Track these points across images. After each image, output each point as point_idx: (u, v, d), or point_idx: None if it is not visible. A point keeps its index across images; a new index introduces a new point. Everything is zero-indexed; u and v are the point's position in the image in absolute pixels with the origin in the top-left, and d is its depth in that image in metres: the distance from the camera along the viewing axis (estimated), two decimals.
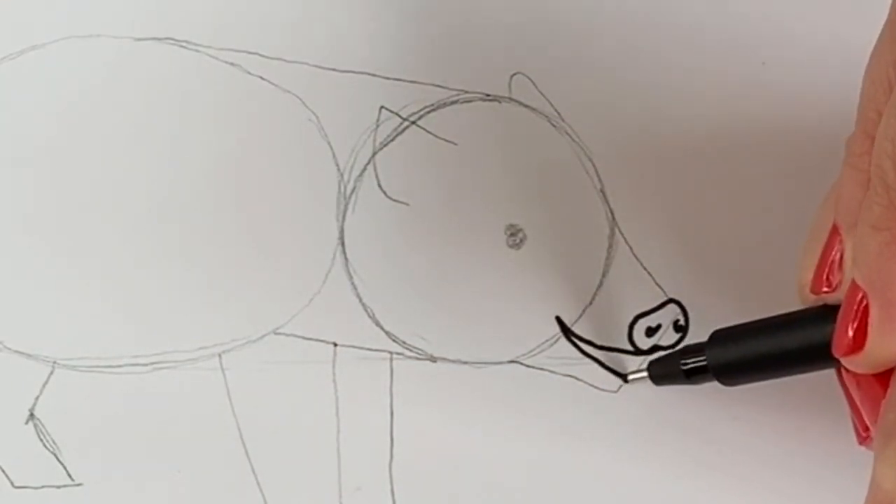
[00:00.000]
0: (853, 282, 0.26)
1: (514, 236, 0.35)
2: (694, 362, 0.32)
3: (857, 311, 0.26)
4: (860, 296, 0.26)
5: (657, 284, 0.35)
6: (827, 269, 0.28)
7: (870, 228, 0.25)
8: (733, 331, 0.31)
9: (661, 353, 0.34)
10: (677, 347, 0.34)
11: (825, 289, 0.28)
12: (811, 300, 0.29)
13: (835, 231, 0.28)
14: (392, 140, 0.36)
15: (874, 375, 0.26)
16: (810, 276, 0.29)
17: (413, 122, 0.36)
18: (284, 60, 0.36)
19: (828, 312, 0.28)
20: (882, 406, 0.25)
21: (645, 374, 0.34)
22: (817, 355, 0.28)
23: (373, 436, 0.34)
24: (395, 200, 0.35)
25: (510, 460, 0.34)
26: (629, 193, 0.36)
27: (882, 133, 0.24)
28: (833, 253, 0.28)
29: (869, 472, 0.35)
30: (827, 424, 0.35)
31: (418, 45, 0.36)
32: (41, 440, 0.33)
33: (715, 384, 0.32)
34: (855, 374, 0.27)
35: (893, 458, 0.25)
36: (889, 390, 0.25)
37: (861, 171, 0.26)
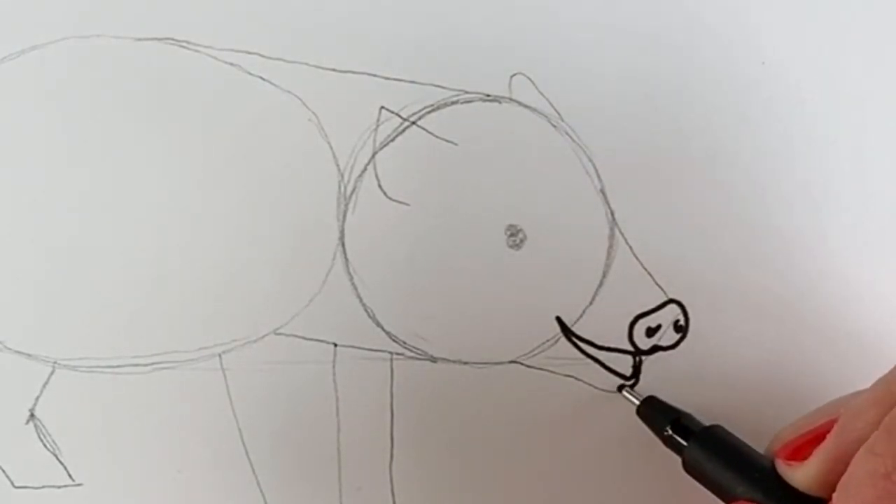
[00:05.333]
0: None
1: (514, 236, 0.35)
2: (677, 440, 0.33)
3: None
4: None
5: (657, 284, 0.35)
6: (805, 441, 0.30)
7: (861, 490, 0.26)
8: (721, 447, 0.32)
9: (658, 402, 0.35)
10: (675, 415, 0.34)
11: (791, 454, 0.30)
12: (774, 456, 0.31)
13: (831, 423, 0.29)
14: (392, 140, 0.36)
15: None
16: (790, 436, 0.31)
17: (413, 122, 0.36)
18: (284, 60, 0.36)
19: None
20: None
21: (636, 401, 0.34)
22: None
23: (373, 436, 0.34)
24: (395, 200, 0.35)
25: (510, 460, 0.34)
26: (629, 193, 0.36)
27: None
28: (817, 430, 0.29)
29: None
30: None
31: (418, 45, 0.36)
32: (41, 440, 0.33)
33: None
34: None
35: None
36: None
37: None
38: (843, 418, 0.28)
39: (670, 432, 0.33)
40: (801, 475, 0.29)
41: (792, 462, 0.30)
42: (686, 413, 0.34)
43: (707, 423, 0.33)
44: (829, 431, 0.29)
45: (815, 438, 0.29)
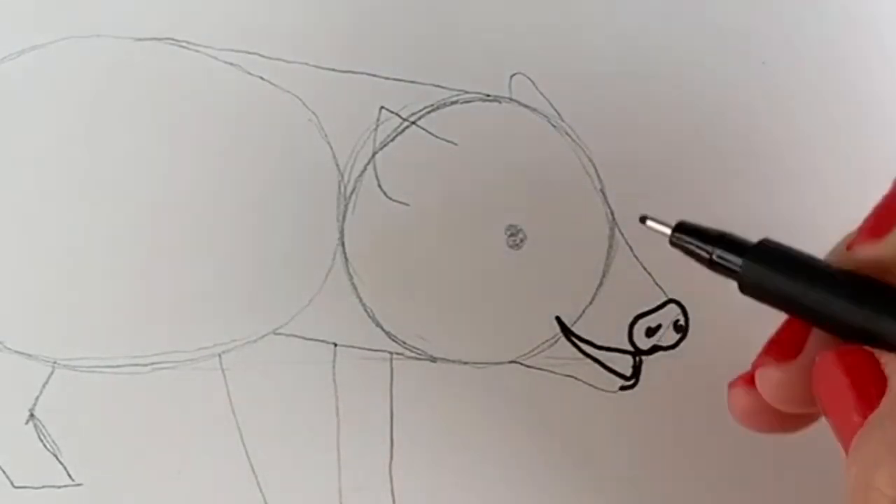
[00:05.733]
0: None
1: (514, 236, 0.35)
2: (724, 260, 0.29)
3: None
4: None
5: (657, 284, 0.35)
6: (879, 217, 0.25)
7: None
8: (779, 252, 0.28)
9: (693, 225, 0.30)
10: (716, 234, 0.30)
11: (867, 234, 0.25)
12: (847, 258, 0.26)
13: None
14: (392, 140, 0.36)
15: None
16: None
17: (413, 123, 0.36)
18: (284, 60, 0.36)
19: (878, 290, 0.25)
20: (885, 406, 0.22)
21: (668, 230, 0.30)
22: (843, 327, 0.26)
23: (373, 436, 0.34)
24: (395, 200, 0.35)
25: (510, 460, 0.34)
26: (629, 193, 0.36)
27: None
28: (890, 199, 0.25)
29: None
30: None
31: (419, 45, 0.36)
32: (41, 440, 0.33)
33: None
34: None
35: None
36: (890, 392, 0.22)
37: None
38: None
39: (721, 254, 0.29)
40: (881, 249, 0.24)
41: (868, 242, 0.25)
42: (726, 232, 0.29)
43: None
44: None
45: (891, 211, 0.25)
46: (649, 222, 0.30)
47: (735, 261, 0.29)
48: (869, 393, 0.23)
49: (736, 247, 0.29)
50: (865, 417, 0.22)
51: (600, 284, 0.35)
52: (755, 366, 0.27)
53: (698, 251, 0.29)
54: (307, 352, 0.34)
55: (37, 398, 0.34)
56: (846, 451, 0.23)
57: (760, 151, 0.37)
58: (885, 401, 0.22)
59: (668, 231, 0.30)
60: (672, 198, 0.36)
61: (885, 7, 0.38)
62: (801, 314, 0.27)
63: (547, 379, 0.35)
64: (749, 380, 0.27)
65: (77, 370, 0.34)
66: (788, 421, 0.27)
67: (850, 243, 0.26)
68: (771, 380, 0.26)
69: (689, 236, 0.30)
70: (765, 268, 0.28)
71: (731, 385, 0.28)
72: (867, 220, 0.26)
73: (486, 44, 0.36)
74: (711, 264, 0.29)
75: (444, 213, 0.35)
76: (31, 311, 0.34)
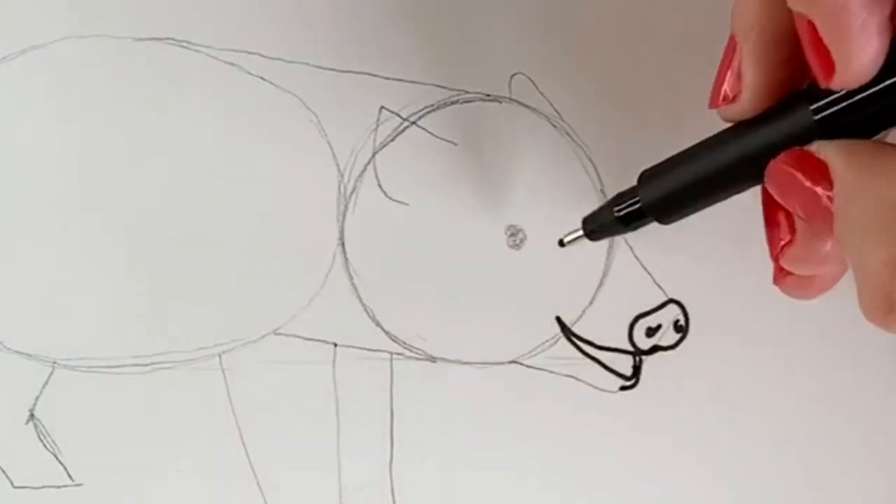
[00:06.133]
0: (731, 35, 0.27)
1: (514, 236, 0.35)
2: (627, 207, 0.31)
3: (731, 56, 0.27)
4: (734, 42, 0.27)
5: (657, 284, 0.35)
6: (726, 79, 0.28)
7: None
8: (659, 167, 0.31)
9: (590, 213, 0.33)
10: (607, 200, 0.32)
11: (728, 93, 0.28)
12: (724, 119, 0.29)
13: (731, 41, 0.28)
14: (392, 140, 0.36)
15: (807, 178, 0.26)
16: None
17: (413, 122, 0.36)
18: (284, 60, 0.36)
19: (747, 127, 0.28)
20: (839, 200, 0.24)
21: (579, 232, 0.33)
22: (742, 168, 0.28)
23: (373, 436, 0.34)
24: (395, 200, 0.35)
25: (510, 460, 0.34)
26: None
27: None
28: (732, 63, 0.28)
29: (871, 472, 0.35)
30: (824, 426, 0.35)
31: (418, 45, 0.36)
32: (41, 440, 0.33)
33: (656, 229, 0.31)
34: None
35: (871, 237, 0.23)
36: (838, 184, 0.24)
37: None
38: (734, 29, 0.27)
39: (624, 211, 0.31)
40: (739, 109, 0.27)
41: (724, 104, 0.28)
42: (615, 195, 0.32)
43: None
44: (734, 49, 0.27)
45: (727, 66, 0.28)
46: (566, 240, 0.33)
47: (634, 202, 0.31)
48: (819, 175, 0.25)
49: (627, 194, 0.31)
50: (830, 198, 0.25)
51: (600, 284, 0.35)
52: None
53: (609, 225, 0.31)
54: (307, 352, 0.34)
55: (37, 398, 0.34)
56: (828, 230, 0.25)
57: None
58: (837, 179, 0.24)
59: (580, 232, 0.33)
60: None
61: None
62: (721, 189, 0.29)
63: (547, 379, 0.35)
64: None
65: (77, 370, 0.34)
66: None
67: (711, 106, 0.29)
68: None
69: (593, 222, 0.32)
70: (657, 181, 0.30)
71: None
72: (717, 84, 0.28)
73: (486, 44, 0.36)
74: (626, 222, 0.31)
75: (444, 213, 0.35)
76: (31, 311, 0.34)
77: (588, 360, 0.35)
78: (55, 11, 0.36)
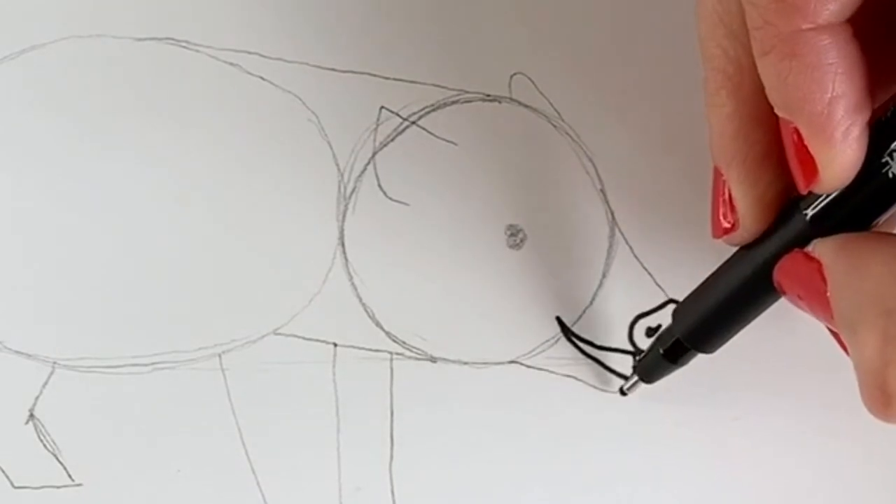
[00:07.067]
0: (715, 167, 0.28)
1: (514, 236, 0.35)
2: (669, 344, 0.32)
3: (721, 189, 0.28)
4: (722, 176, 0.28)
5: (657, 284, 0.35)
6: (721, 211, 0.29)
7: (760, 59, 0.25)
8: (689, 299, 0.32)
9: (642, 354, 0.34)
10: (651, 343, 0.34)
11: (726, 225, 0.29)
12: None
13: (717, 173, 0.29)
14: (392, 140, 0.36)
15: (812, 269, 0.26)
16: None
17: (413, 122, 0.36)
18: (284, 60, 0.36)
19: (757, 243, 0.29)
20: (831, 295, 0.25)
21: (636, 378, 0.34)
22: (757, 284, 0.29)
23: (373, 436, 0.34)
24: (395, 200, 0.35)
25: (510, 460, 0.34)
26: (629, 193, 0.36)
27: None
28: (723, 194, 0.29)
29: (872, 472, 0.35)
30: (826, 425, 0.35)
31: (418, 45, 0.36)
32: (41, 440, 0.33)
33: (703, 360, 0.32)
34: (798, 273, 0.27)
35: (869, 329, 0.24)
36: (829, 279, 0.25)
37: (721, 105, 0.28)
38: (716, 163, 0.28)
39: (667, 347, 0.32)
40: (738, 236, 0.29)
41: (726, 235, 0.29)
42: (657, 336, 0.33)
43: None
44: (721, 180, 0.28)
45: (719, 198, 0.29)
46: (625, 387, 0.34)
47: (674, 338, 0.32)
48: (815, 273, 0.26)
49: (666, 333, 0.32)
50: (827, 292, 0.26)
51: (600, 284, 0.35)
52: None
53: (657, 364, 0.33)
54: (307, 352, 0.34)
55: (37, 398, 0.34)
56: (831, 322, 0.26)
57: None
58: (828, 275, 0.25)
59: (636, 378, 0.34)
60: (672, 198, 0.36)
61: None
62: (746, 307, 0.30)
63: (547, 379, 0.35)
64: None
65: (77, 370, 0.34)
66: None
67: (714, 237, 0.30)
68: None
69: (644, 366, 0.33)
70: (688, 314, 0.31)
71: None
72: (714, 216, 0.29)
73: (486, 44, 0.36)
74: (673, 359, 0.32)
75: (444, 213, 0.35)
76: (31, 311, 0.34)
77: (588, 360, 0.35)
78: (55, 11, 0.36)
